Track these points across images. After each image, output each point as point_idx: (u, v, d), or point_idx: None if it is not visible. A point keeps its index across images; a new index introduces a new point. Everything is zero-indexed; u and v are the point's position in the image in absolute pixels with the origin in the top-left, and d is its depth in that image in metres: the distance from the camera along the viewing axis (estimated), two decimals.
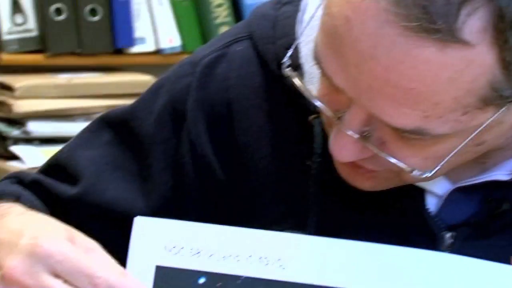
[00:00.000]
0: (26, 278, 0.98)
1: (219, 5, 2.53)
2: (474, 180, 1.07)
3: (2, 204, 1.09)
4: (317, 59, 1.00)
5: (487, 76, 0.95)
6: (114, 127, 1.20)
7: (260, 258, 1.02)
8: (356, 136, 0.99)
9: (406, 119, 0.96)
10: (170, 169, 1.16)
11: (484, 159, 1.06)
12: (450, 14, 0.91)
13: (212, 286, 1.02)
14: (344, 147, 1.00)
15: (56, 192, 1.18)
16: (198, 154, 1.14)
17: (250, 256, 1.03)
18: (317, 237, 1.06)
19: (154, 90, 1.20)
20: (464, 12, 0.91)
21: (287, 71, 1.05)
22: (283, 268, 1.02)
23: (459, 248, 1.08)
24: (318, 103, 1.02)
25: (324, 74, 1.01)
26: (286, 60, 1.05)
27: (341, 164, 1.05)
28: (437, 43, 0.92)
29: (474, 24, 0.92)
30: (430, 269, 1.00)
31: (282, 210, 1.12)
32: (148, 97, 1.20)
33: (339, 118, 1.00)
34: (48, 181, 1.19)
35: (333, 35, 0.97)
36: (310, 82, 1.08)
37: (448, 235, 1.08)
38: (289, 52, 1.06)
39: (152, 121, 1.17)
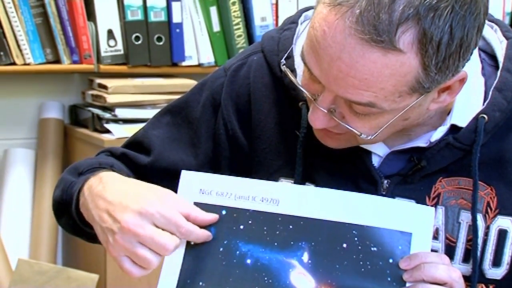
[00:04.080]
0: (137, 228, 1.12)
1: (239, 36, 2.87)
2: (403, 146, 1.24)
3: (102, 172, 1.23)
4: (303, 57, 1.14)
5: (414, 74, 1.09)
6: (172, 113, 1.37)
7: (262, 198, 1.18)
8: (325, 111, 1.14)
9: (362, 96, 1.10)
10: (211, 139, 1.33)
11: (410, 133, 1.24)
12: (391, 31, 1.06)
13: (230, 216, 1.18)
14: (317, 118, 1.15)
15: (137, 161, 1.32)
16: (228, 128, 1.32)
17: (255, 197, 1.18)
18: (298, 185, 1.23)
19: (199, 87, 1.36)
20: (400, 30, 1.07)
21: (284, 68, 1.21)
22: (277, 205, 1.18)
23: (392, 190, 1.24)
24: (302, 89, 1.17)
25: (307, 68, 1.13)
26: (283, 62, 1.22)
27: (316, 129, 1.20)
28: (381, 50, 1.07)
29: (406, 38, 1.07)
30: (367, 204, 1.17)
31: (280, 163, 1.29)
32: (195, 92, 1.36)
33: (315, 99, 1.14)
34: (131, 153, 1.35)
35: (314, 42, 1.11)
36: (299, 79, 1.23)
37: (385, 181, 1.24)
38: (285, 58, 1.23)
39: (199, 107, 1.33)
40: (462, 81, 1.15)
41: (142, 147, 1.35)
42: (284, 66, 1.19)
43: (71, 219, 1.27)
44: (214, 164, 1.32)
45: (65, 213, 1.29)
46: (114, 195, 1.16)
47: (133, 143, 1.38)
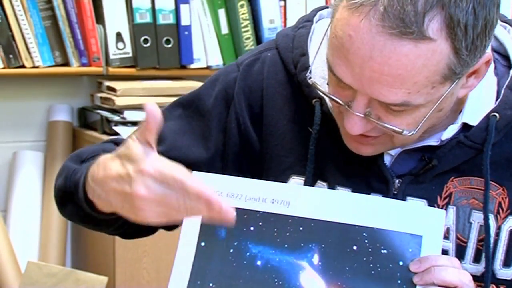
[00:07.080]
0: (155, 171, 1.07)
1: (247, 38, 2.89)
2: (414, 145, 1.26)
3: (100, 158, 1.15)
4: (330, 68, 1.15)
5: (445, 60, 1.10)
6: (183, 105, 1.37)
7: (272, 199, 1.20)
8: (362, 115, 1.15)
9: (395, 96, 1.11)
10: (222, 132, 1.34)
11: (424, 134, 1.24)
12: (418, 21, 1.08)
13: (241, 217, 1.17)
14: (355, 124, 1.16)
15: None
16: (240, 123, 1.33)
17: (266, 198, 1.20)
18: (308, 187, 1.25)
19: (211, 81, 1.37)
20: (427, 18, 1.08)
21: (312, 81, 1.21)
22: (287, 207, 1.19)
23: (404, 189, 1.25)
24: (335, 98, 1.17)
25: (335, 77, 1.15)
26: (309, 75, 1.21)
27: (350, 138, 1.20)
28: (412, 41, 1.08)
29: (434, 26, 1.08)
30: (378, 207, 1.19)
31: (291, 160, 1.29)
32: (208, 86, 1.37)
33: (348, 106, 1.16)
34: None
35: (340, 49, 1.12)
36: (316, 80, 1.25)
37: (397, 180, 1.26)
38: (303, 70, 1.25)
39: (211, 100, 1.35)
40: (488, 62, 1.16)
41: None
42: (310, 80, 1.20)
43: (76, 207, 1.24)
44: (223, 157, 1.33)
45: (69, 201, 1.27)
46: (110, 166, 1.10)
47: None
